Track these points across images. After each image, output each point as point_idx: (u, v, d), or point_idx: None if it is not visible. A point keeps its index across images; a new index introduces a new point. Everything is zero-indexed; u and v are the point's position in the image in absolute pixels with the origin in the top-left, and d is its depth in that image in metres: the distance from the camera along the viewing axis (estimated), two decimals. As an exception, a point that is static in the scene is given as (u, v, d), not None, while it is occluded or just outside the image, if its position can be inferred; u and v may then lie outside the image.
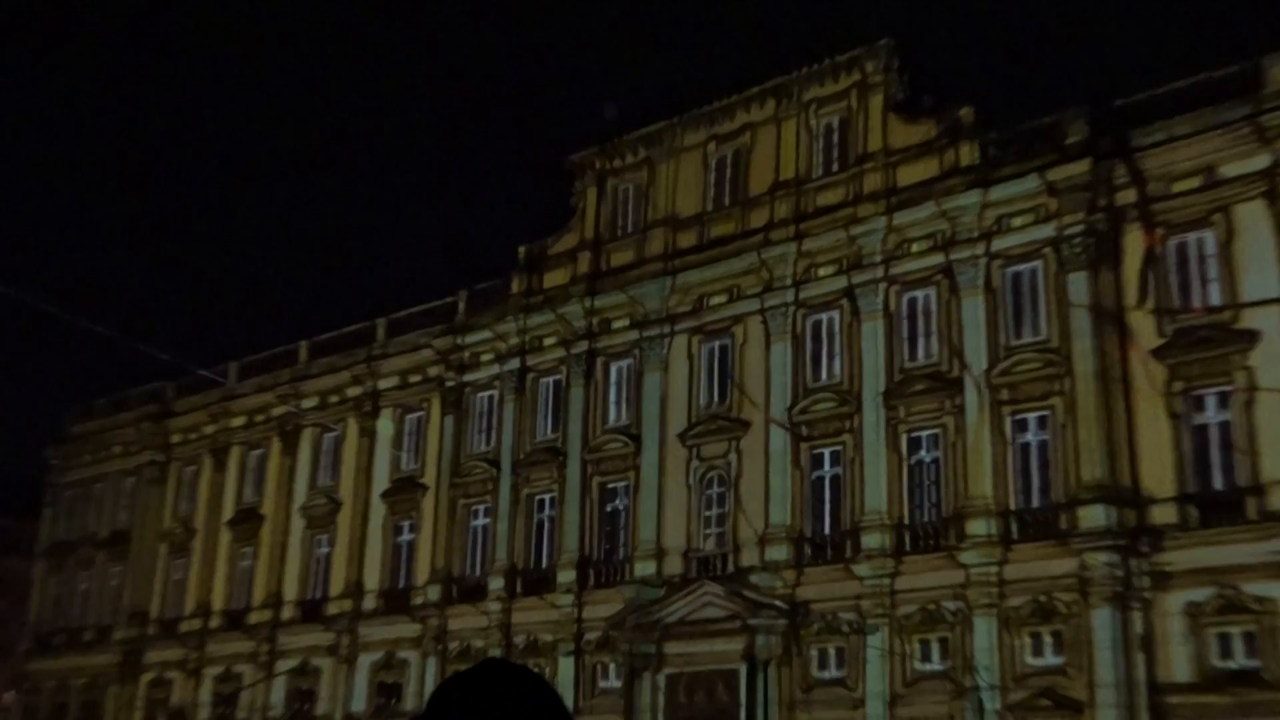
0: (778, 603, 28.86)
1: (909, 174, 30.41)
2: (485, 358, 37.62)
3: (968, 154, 29.61)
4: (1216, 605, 24.30)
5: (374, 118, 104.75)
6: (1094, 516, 25.59)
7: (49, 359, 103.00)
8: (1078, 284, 27.14)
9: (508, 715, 1.58)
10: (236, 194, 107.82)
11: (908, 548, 28.03)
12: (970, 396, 27.89)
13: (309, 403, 41.66)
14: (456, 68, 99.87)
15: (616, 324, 35.07)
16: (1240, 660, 24.09)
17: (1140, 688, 24.60)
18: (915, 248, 29.86)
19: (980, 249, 28.71)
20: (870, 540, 28.33)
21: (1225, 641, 24.30)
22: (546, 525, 35.09)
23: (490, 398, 37.40)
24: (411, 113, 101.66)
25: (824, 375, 30.76)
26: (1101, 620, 25.00)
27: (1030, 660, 26.00)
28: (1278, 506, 24.22)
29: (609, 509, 33.94)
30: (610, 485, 34.05)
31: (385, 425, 37.78)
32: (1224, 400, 25.64)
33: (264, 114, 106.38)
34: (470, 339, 37.66)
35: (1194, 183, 26.65)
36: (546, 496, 35.29)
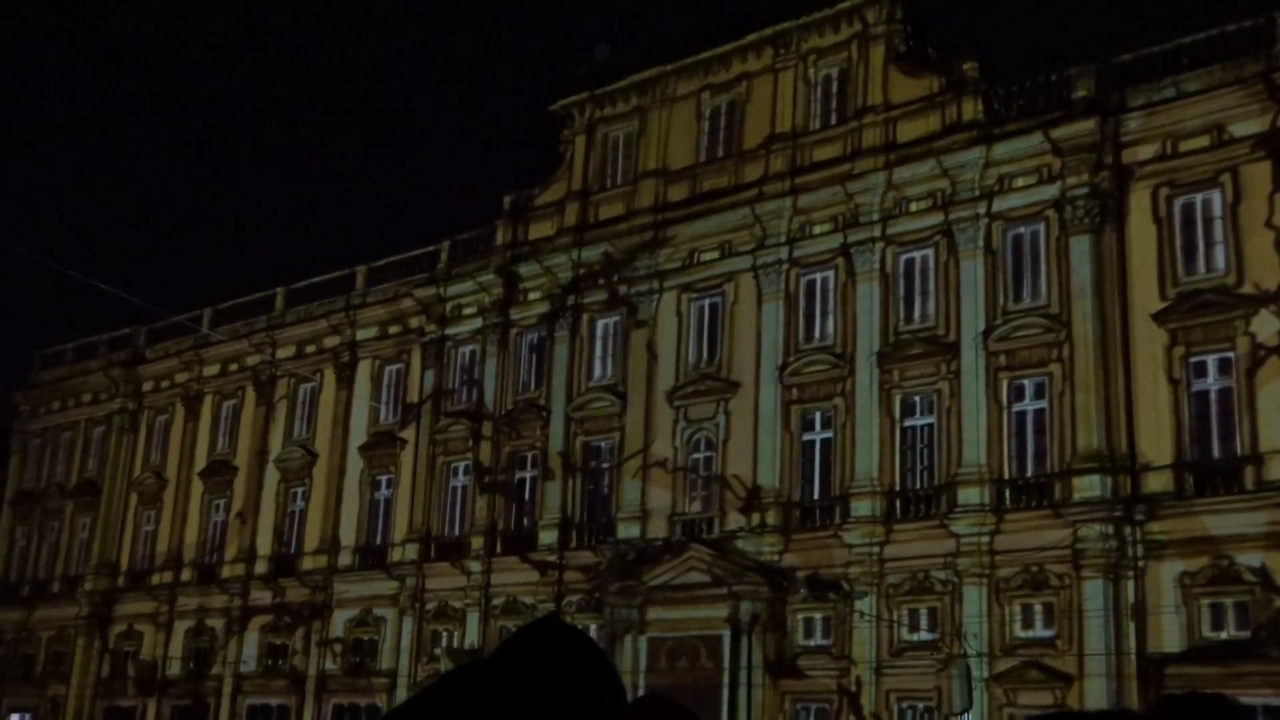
0: (764, 568, 28.31)
1: (909, 129, 29.49)
2: (468, 310, 36.63)
3: (970, 109, 28.72)
4: (1210, 575, 23.96)
5: (356, 56, 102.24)
6: (1089, 486, 25.14)
7: (16, 303, 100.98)
8: (1080, 247, 26.46)
9: (561, 680, 1.51)
10: (212, 134, 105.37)
11: (898, 515, 27.51)
12: (967, 361, 27.24)
13: (285, 352, 40.62)
14: (442, 3, 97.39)
15: (604, 278, 34.12)
16: (1231, 631, 23.82)
17: (1130, 658, 24.31)
18: (914, 206, 29.03)
19: (981, 209, 27.93)
20: (860, 507, 27.77)
21: (1218, 612, 24.01)
22: (528, 484, 34.34)
23: (472, 351, 36.47)
24: (395, 50, 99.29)
25: (817, 336, 30.01)
26: (1093, 591, 24.66)
27: (1020, 631, 25.63)
28: (1275, 476, 23.78)
29: (592, 468, 33.21)
30: (594, 444, 33.29)
31: None
32: (1225, 366, 25.13)
33: (242, 53, 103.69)
34: (453, 290, 36.62)
35: (1202, 141, 26.00)
36: (529, 454, 34.51)
